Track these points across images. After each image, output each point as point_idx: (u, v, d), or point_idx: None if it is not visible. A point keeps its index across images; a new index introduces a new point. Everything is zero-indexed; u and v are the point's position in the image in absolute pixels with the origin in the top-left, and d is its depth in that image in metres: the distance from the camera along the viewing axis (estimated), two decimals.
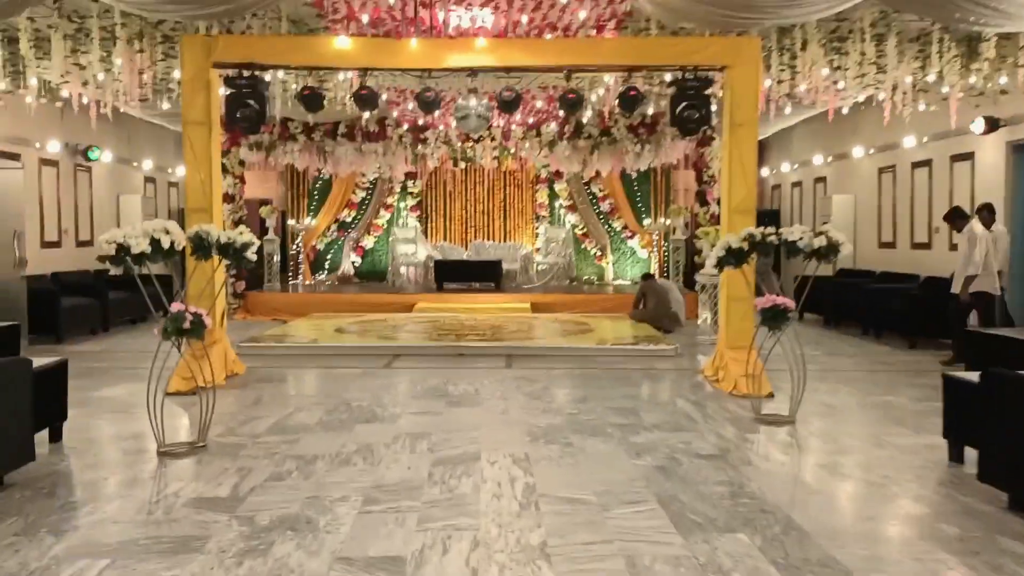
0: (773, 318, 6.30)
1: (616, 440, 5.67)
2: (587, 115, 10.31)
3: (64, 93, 9.36)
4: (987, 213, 8.88)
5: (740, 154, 7.75)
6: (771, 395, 7.06)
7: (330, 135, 13.81)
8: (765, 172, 18.20)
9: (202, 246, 5.43)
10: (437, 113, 11.80)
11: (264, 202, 15.51)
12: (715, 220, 13.63)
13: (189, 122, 7.82)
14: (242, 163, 14.13)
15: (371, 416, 6.44)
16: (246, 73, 7.68)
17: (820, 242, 6.14)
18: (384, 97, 10.68)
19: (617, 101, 7.97)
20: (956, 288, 8.88)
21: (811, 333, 11.61)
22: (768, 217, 17.49)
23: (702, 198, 13.75)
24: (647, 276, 12.35)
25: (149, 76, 9.17)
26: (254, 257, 5.63)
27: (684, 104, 7.66)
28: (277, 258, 15.26)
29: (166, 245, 5.16)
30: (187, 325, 5.28)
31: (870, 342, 10.92)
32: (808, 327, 11.93)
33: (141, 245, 5.11)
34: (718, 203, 14.10)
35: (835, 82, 9.02)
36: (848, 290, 11.99)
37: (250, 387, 7.75)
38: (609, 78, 8.39)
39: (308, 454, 5.29)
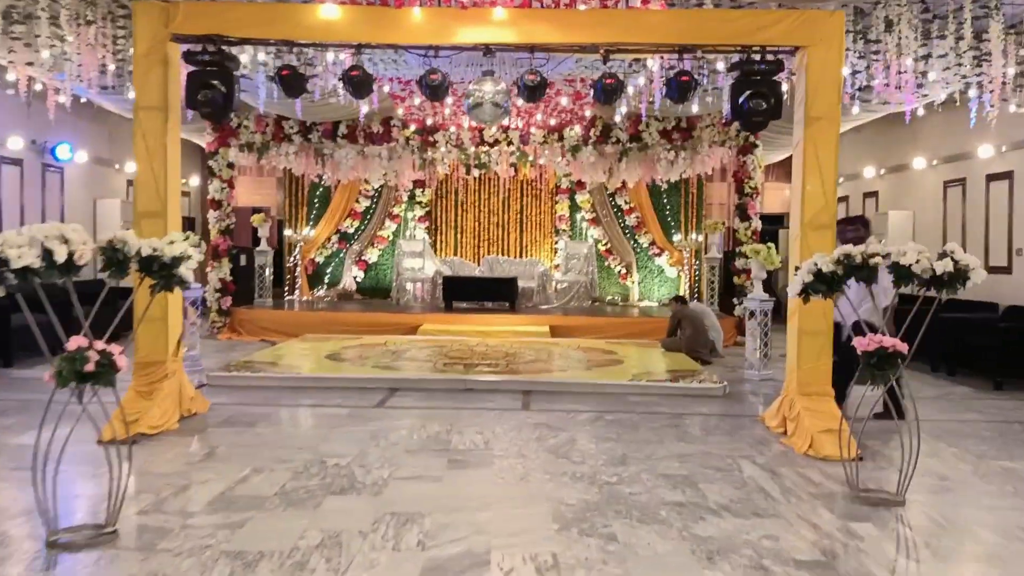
0: (878, 365, 4.79)
1: (676, 531, 4.17)
2: (623, 109, 8.79)
3: (9, 76, 7.97)
4: None
5: (817, 154, 6.27)
6: (860, 458, 5.53)
7: (329, 136, 12.39)
8: None
9: (115, 260, 3.98)
10: (448, 111, 10.45)
11: (257, 210, 14.11)
12: (757, 237, 12.17)
13: (141, 107, 6.41)
14: (231, 166, 12.74)
15: (348, 483, 4.95)
16: (211, 47, 6.26)
17: (944, 267, 4.63)
18: (387, 89, 9.27)
19: (663, 90, 6.50)
20: None
21: None
22: None
23: (743, 212, 12.24)
24: (679, 299, 10.84)
25: (112, 58, 7.79)
26: (190, 275, 4.18)
27: (749, 93, 6.19)
28: (270, 271, 13.84)
29: (61, 257, 3.73)
30: (91, 368, 3.83)
31: (945, 381, 9.36)
32: None
33: (25, 257, 3.67)
34: (761, 218, 12.72)
35: (923, 73, 7.50)
36: (912, 319, 10.41)
37: (207, 433, 6.29)
38: (653, 62, 6.92)
39: (251, 551, 3.81)
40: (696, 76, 6.39)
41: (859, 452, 5.56)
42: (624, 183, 14.48)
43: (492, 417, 6.97)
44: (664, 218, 15.32)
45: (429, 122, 11.64)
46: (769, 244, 9.43)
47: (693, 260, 15.20)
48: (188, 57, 6.31)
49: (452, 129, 12.09)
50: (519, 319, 12.74)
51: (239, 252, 15.00)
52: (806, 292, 5.08)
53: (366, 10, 6.37)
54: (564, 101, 9.95)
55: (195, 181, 16.56)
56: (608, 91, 6.31)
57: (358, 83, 6.33)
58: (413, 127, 12.09)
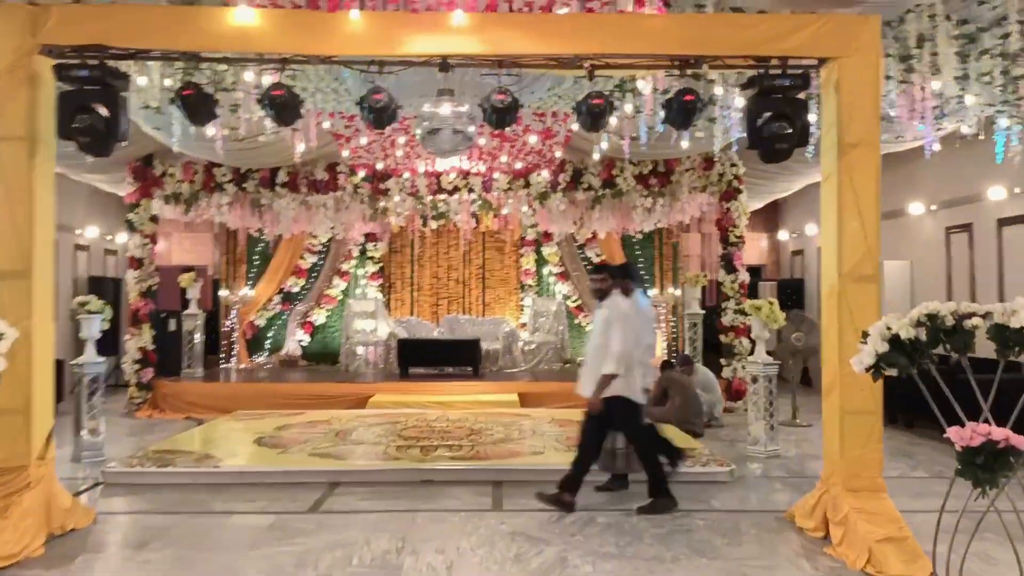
0: (986, 465, 3.49)
1: None
2: (603, 145, 7.53)
3: None
4: None
5: (855, 188, 5.07)
6: None
7: (267, 184, 10.99)
8: (783, 235, 15.72)
9: None
10: (400, 152, 9.17)
11: (187, 269, 12.58)
12: (745, 290, 11.00)
13: (1, 137, 4.97)
14: (154, 219, 11.25)
15: None
16: (91, 61, 4.90)
17: None
18: (327, 125, 7.96)
19: (663, 112, 5.28)
20: None
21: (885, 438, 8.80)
22: (791, 288, 15.01)
23: (728, 263, 11.07)
24: (667, 364, 9.51)
25: None
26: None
27: (769, 115, 4.99)
28: (201, 337, 12.25)
29: None
30: None
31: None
32: None
33: None
34: (748, 271, 11.59)
35: (959, 98, 6.41)
36: (923, 379, 9.27)
37: (80, 562, 4.74)
38: (644, 83, 5.70)
39: None
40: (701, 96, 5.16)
41: (932, 570, 4.26)
42: (595, 234, 13.31)
43: (456, 524, 5.53)
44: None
45: (380, 167, 10.32)
46: (771, 300, 8.22)
47: (670, 317, 14.00)
48: (61, 73, 4.92)
49: (406, 175, 10.79)
50: (484, 386, 11.32)
51: (167, 316, 13.42)
52: (877, 366, 3.80)
53: (291, 14, 5.08)
54: (532, 140, 8.73)
55: (123, 238, 14.93)
56: (595, 114, 5.07)
57: (282, 105, 5.00)
58: (362, 173, 10.76)
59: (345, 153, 9.37)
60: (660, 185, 11.10)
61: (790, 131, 4.93)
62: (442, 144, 4.96)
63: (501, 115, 5.06)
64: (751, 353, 10.95)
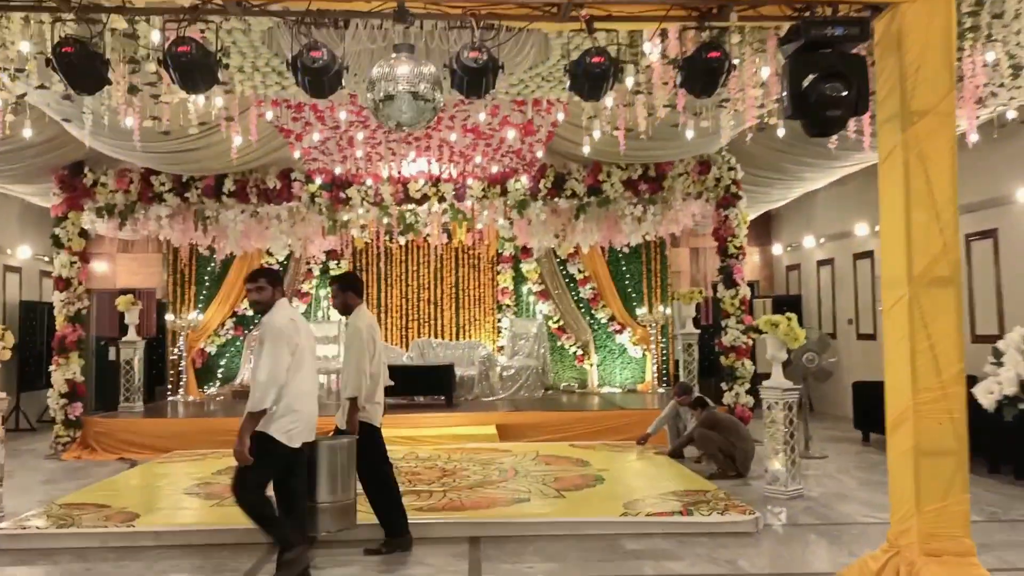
0: None
1: None
2: (598, 131, 6.39)
3: None
4: None
5: (926, 170, 3.99)
6: None
7: (211, 193, 9.74)
8: (777, 249, 14.75)
9: None
10: (360, 152, 8.00)
11: (125, 291, 11.28)
12: (747, 306, 9.94)
13: None
14: (84, 234, 9.97)
15: None
16: None
17: None
18: (269, 116, 6.77)
19: (678, 76, 4.18)
20: None
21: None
22: (788, 304, 13.99)
23: (728, 277, 10.00)
24: (702, 403, 8.20)
25: None
26: None
27: (816, 76, 3.91)
28: (140, 367, 10.92)
29: None
30: None
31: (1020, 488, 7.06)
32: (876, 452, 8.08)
33: None
34: (750, 285, 10.56)
35: (1015, 71, 5.40)
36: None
37: None
38: (651, 46, 4.60)
39: None
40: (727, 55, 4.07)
41: None
42: (577, 248, 12.22)
43: None
44: (624, 289, 13.06)
45: (338, 171, 9.13)
46: (790, 315, 7.13)
47: (660, 337, 12.91)
48: None
49: (368, 182, 9.61)
50: (458, 417, 10.11)
51: (106, 344, 12.11)
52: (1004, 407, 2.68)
53: None
54: (511, 136, 7.61)
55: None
56: (594, 76, 3.97)
57: (189, 67, 3.85)
58: (319, 180, 9.57)
59: (296, 154, 8.19)
60: (651, 191, 10.01)
61: (845, 93, 3.84)
62: (399, 113, 3.81)
63: (475, 78, 3.93)
64: (754, 376, 9.98)
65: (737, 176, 9.96)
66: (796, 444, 6.98)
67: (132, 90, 5.73)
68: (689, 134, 6.39)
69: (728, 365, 9.90)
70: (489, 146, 8.08)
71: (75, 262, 9.83)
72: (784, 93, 3.99)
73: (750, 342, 9.91)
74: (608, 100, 5.58)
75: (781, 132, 6.75)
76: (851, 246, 12.36)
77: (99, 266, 13.83)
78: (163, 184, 9.76)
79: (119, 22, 4.20)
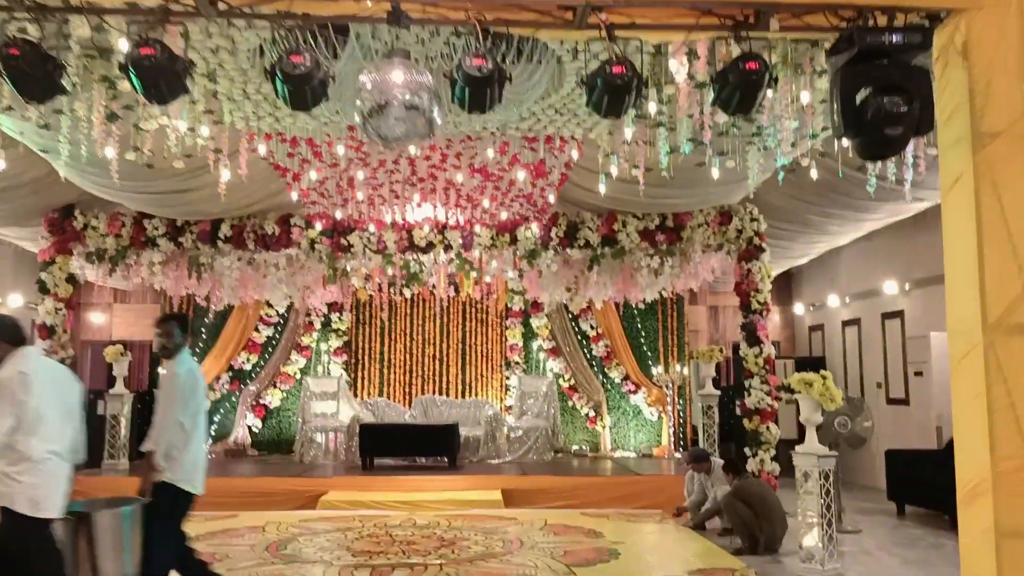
0: None
1: None
2: (615, 166, 5.84)
3: None
4: None
5: (999, 198, 3.44)
6: None
7: (206, 239, 9.28)
8: (799, 309, 14.12)
9: None
10: (360, 194, 7.55)
11: (116, 343, 10.75)
12: (772, 365, 9.32)
13: None
14: (72, 280, 9.49)
15: None
16: None
17: None
18: (262, 150, 6.32)
19: (713, 89, 3.66)
20: None
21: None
22: (811, 367, 13.28)
23: (751, 334, 9.39)
24: (734, 468, 7.48)
25: None
26: None
27: (871, 89, 3.39)
28: (127, 423, 10.31)
29: None
30: None
31: None
32: (914, 525, 7.33)
33: None
34: (775, 345, 9.94)
35: None
36: None
37: None
38: (677, 64, 4.10)
39: None
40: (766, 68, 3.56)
41: None
42: (590, 304, 11.66)
43: None
44: (639, 347, 12.45)
45: (339, 216, 8.65)
46: (825, 373, 6.51)
47: (677, 399, 12.23)
48: None
49: (371, 229, 9.13)
50: (461, 481, 9.43)
51: (95, 398, 11.52)
52: None
53: None
54: (521, 177, 7.12)
55: None
56: (615, 89, 3.47)
57: (154, 73, 3.36)
58: (319, 225, 9.09)
59: (294, 195, 7.71)
60: (668, 242, 9.50)
61: (906, 108, 3.31)
62: (390, 127, 3.30)
63: (479, 89, 3.44)
64: (778, 441, 9.28)
65: (760, 227, 9.43)
66: (833, 515, 6.29)
67: (111, 117, 5.30)
68: (715, 173, 5.86)
69: (752, 429, 9.20)
70: (498, 189, 7.59)
71: (60, 309, 9.33)
72: (835, 107, 3.45)
73: (775, 404, 9.25)
74: (627, 131, 5.08)
75: (815, 174, 6.21)
76: (879, 305, 11.72)
77: (95, 317, 13.39)
78: (156, 228, 9.32)
79: (82, 28, 3.74)
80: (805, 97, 4.43)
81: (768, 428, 9.15)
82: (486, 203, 7.93)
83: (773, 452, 9.10)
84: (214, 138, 5.73)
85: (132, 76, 3.41)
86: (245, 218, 9.30)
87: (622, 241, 9.43)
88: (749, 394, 9.24)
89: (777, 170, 5.98)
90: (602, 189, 6.55)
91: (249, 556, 6.26)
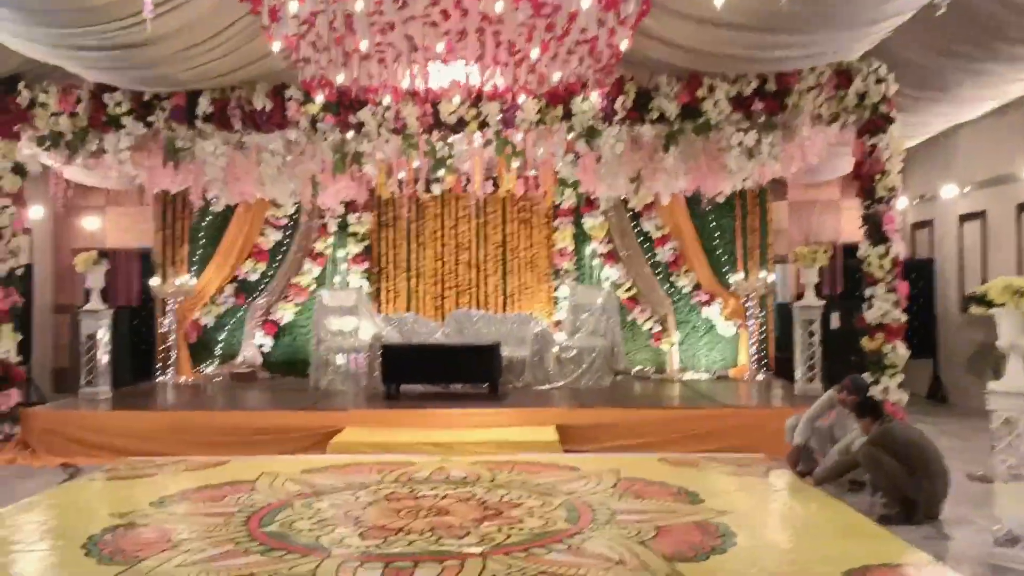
0: None
1: None
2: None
3: None
4: None
5: None
6: None
7: (181, 117, 7.36)
8: (902, 202, 11.87)
9: None
10: (363, 44, 5.50)
11: (109, 252, 9.04)
12: (900, 272, 7.33)
13: None
14: (20, 171, 7.69)
15: None
16: None
17: None
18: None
19: None
20: None
21: None
22: (916, 272, 11.21)
23: (875, 229, 7.34)
24: (874, 410, 5.47)
25: None
26: None
27: None
28: (106, 342, 8.68)
29: None
30: None
31: None
32: None
33: None
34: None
35: None
36: None
37: None
38: None
39: None
40: None
41: None
42: (656, 198, 9.59)
43: None
44: (713, 250, 10.46)
45: (340, 79, 6.60)
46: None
47: (759, 311, 10.29)
48: None
49: (386, 100, 7.10)
50: (506, 415, 7.73)
51: (76, 316, 9.93)
52: None
53: None
54: (586, 5, 5.02)
55: (37, 211, 11.29)
56: None
57: None
58: (320, 98, 7.08)
59: (276, 46, 5.66)
60: (768, 111, 7.38)
61: None
62: None
63: None
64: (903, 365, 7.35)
65: (889, 90, 7.25)
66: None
67: None
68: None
69: (873, 349, 7.25)
70: (552, 29, 5.47)
71: (8, 207, 7.56)
72: None
73: (903, 319, 7.29)
74: None
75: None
76: (1013, 194, 9.51)
77: (88, 223, 11.75)
78: (120, 105, 7.42)
79: None
80: None
81: (894, 348, 7.19)
82: (534, 54, 5.81)
83: (901, 378, 7.19)
84: None
85: None
86: (228, 89, 7.38)
87: (708, 112, 7.33)
88: (870, 306, 7.26)
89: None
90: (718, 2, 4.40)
91: (219, 535, 4.55)
